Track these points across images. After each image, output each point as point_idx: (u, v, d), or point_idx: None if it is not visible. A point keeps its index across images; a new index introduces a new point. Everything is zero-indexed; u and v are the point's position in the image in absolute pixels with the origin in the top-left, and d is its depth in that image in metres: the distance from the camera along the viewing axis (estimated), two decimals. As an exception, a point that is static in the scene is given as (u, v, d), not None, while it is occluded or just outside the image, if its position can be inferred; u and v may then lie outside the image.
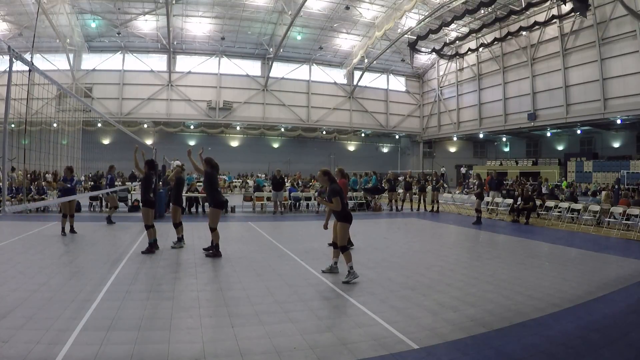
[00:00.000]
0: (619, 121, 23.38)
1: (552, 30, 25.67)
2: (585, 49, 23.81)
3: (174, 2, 24.17)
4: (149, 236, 7.26)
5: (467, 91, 33.32)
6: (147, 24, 27.30)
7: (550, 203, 13.32)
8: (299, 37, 28.90)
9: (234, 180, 27.08)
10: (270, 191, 15.10)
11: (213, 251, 7.05)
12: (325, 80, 34.16)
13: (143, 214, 7.38)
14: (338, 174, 7.03)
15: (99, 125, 28.87)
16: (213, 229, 7.02)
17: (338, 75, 34.53)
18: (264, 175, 28.65)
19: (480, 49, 29.00)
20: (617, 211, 11.01)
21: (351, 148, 37.86)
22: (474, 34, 27.51)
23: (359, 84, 34.50)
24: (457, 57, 31.22)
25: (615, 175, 23.75)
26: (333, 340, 3.60)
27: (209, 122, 31.71)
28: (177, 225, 7.95)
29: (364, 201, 16.35)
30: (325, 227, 6.37)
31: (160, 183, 12.74)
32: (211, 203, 7.19)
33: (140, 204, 7.74)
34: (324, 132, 35.00)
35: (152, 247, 7.20)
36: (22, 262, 6.21)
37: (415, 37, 27.03)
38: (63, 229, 9.04)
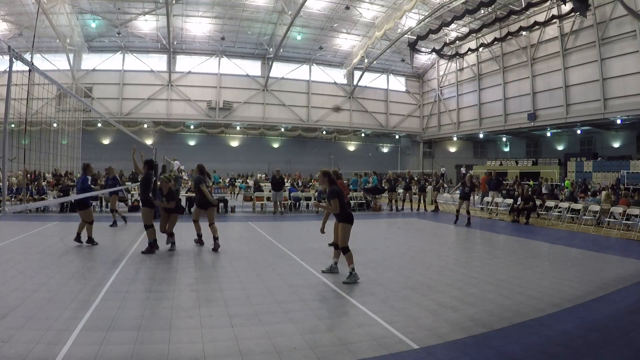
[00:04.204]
0: (619, 121, 23.36)
1: (552, 30, 25.65)
2: (585, 49, 23.80)
3: (174, 2, 24.16)
4: (149, 236, 7.26)
5: (467, 91, 33.32)
6: (147, 24, 27.29)
7: (550, 203, 13.33)
8: (299, 37, 28.90)
9: (220, 181, 22.47)
10: (270, 191, 15.11)
11: (215, 244, 7.58)
12: (325, 80, 34.15)
13: (143, 214, 7.39)
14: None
15: (99, 125, 28.87)
16: (211, 224, 7.78)
17: (338, 75, 34.53)
18: (264, 175, 28.64)
19: (480, 49, 28.98)
20: (617, 211, 11.01)
21: (351, 148, 37.86)
22: (474, 34, 27.50)
23: (359, 84, 34.50)
24: (457, 57, 31.21)
25: (615, 175, 23.74)
26: (333, 340, 3.60)
27: (209, 122, 31.71)
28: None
29: (364, 201, 16.36)
30: (322, 230, 6.28)
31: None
32: (200, 204, 7.90)
33: (140, 204, 7.75)
34: (324, 132, 35.00)
35: (152, 247, 7.20)
36: (22, 262, 6.21)
37: (415, 37, 27.02)
38: (89, 238, 7.76)
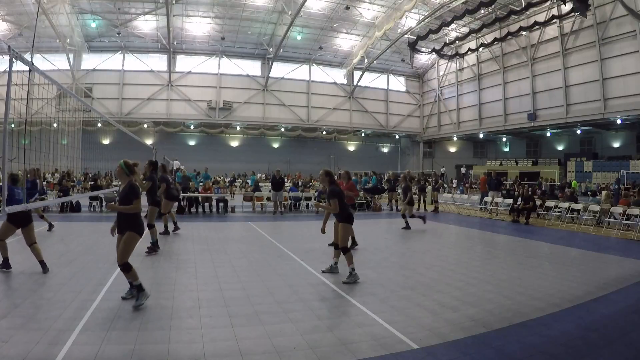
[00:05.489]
0: (619, 121, 23.38)
1: (552, 30, 25.67)
2: (585, 49, 23.81)
3: (174, 2, 24.17)
4: (152, 235, 7.23)
5: (467, 91, 33.33)
6: (147, 24, 27.31)
7: (550, 203, 13.33)
8: (299, 37, 28.91)
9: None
10: (270, 191, 15.11)
11: (166, 230, 8.97)
12: (325, 80, 34.17)
13: (150, 213, 7.38)
14: (345, 176, 8.31)
15: (99, 125, 28.88)
16: (168, 212, 9.12)
17: (338, 75, 34.54)
18: (264, 176, 28.64)
19: (480, 49, 29.00)
20: (617, 211, 11.01)
21: (351, 148, 37.87)
22: (474, 34, 27.51)
23: (359, 84, 34.51)
24: (457, 57, 31.22)
25: (615, 175, 23.76)
26: (333, 340, 3.60)
27: (209, 122, 31.72)
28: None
29: (364, 201, 16.35)
30: (323, 230, 6.24)
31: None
32: (167, 197, 8.89)
33: (147, 202, 7.70)
34: (324, 132, 35.01)
35: (155, 247, 7.16)
36: (22, 262, 6.20)
37: (415, 37, 27.03)
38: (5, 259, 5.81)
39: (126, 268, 4.34)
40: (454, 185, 29.93)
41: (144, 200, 8.59)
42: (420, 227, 11.20)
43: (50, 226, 9.58)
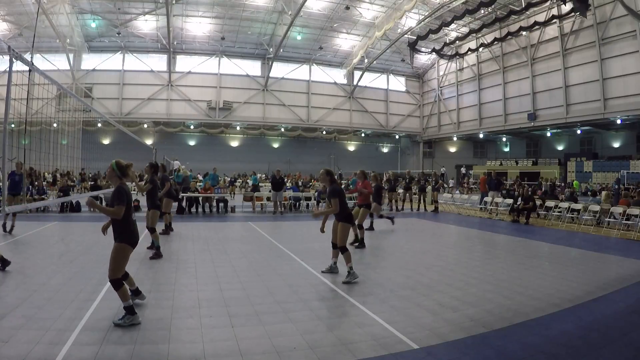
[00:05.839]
0: (619, 121, 23.40)
1: (552, 30, 25.68)
2: (585, 49, 23.82)
3: (174, 2, 24.18)
4: (154, 239, 7.14)
5: (467, 91, 33.34)
6: (147, 24, 27.32)
7: (550, 203, 13.32)
8: (299, 37, 28.93)
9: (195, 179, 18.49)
10: (270, 191, 15.11)
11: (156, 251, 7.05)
12: (325, 80, 34.18)
13: (151, 216, 7.24)
14: (361, 175, 8.53)
15: (99, 125, 28.88)
16: (168, 212, 9.20)
17: (338, 75, 34.54)
18: (264, 176, 28.64)
19: (480, 49, 29.01)
20: (617, 211, 11.01)
21: (351, 148, 37.87)
22: (474, 34, 27.52)
23: (359, 84, 34.51)
24: (457, 57, 31.23)
25: (615, 175, 23.77)
26: (333, 340, 3.60)
27: (209, 122, 31.73)
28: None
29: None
30: (322, 230, 6.17)
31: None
32: (169, 196, 9.06)
33: (148, 206, 7.61)
34: (324, 132, 35.01)
35: (159, 250, 7.03)
36: (22, 262, 6.21)
37: (415, 37, 27.04)
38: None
39: (116, 285, 3.83)
40: (451, 185, 29.87)
41: (142, 201, 8.62)
42: (419, 227, 11.18)
43: (11, 229, 8.83)
